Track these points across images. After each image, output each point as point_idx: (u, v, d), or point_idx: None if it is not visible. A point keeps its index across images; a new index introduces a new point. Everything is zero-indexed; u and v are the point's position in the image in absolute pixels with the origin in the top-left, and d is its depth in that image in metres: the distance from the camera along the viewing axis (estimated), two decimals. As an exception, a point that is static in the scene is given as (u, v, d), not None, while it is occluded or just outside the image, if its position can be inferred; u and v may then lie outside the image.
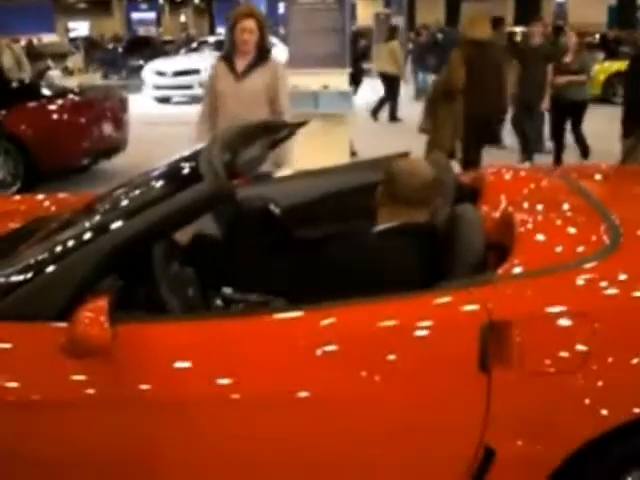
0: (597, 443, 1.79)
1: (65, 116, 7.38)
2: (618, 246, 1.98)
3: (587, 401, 1.78)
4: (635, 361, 1.78)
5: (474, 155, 5.79)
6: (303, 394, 1.85)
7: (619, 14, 27.97)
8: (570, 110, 8.09)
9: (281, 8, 26.63)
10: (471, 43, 5.74)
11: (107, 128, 7.84)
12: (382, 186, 2.33)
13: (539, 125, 8.77)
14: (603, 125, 10.74)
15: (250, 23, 4.08)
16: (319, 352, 1.85)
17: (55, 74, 13.08)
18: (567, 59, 8.10)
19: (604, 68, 14.60)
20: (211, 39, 20.58)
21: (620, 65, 14.59)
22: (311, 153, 6.90)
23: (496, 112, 5.82)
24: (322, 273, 2.25)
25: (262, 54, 4.16)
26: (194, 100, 15.68)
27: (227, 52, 4.26)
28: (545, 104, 8.14)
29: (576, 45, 8.20)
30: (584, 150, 8.49)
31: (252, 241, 2.93)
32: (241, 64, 4.19)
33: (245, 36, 4.09)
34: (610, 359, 1.78)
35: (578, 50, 8.23)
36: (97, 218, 2.28)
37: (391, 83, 12.29)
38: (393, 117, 12.32)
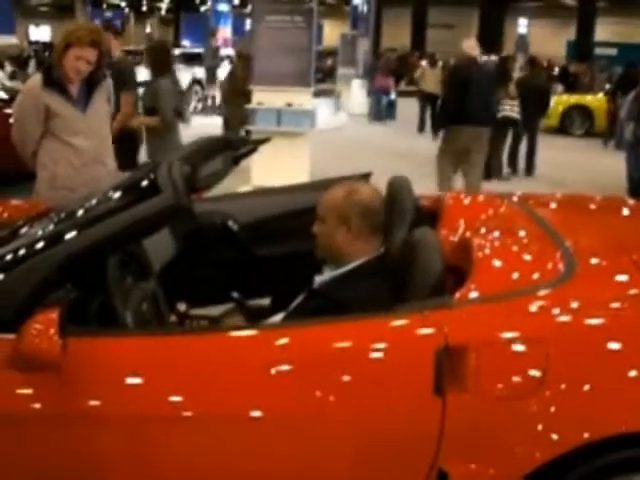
0: (550, 466, 1.80)
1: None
2: (573, 274, 2.00)
3: (540, 426, 1.79)
4: (586, 387, 1.80)
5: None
6: (256, 413, 1.83)
7: (577, 48, 28.80)
8: None
9: (248, 24, 26.72)
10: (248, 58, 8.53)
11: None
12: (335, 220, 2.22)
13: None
14: (560, 155, 11.03)
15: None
16: (273, 371, 1.84)
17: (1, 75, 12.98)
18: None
19: (562, 100, 14.96)
20: (176, 51, 20.46)
21: (578, 98, 14.98)
22: (272, 170, 6.91)
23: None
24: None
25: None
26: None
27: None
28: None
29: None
30: None
31: (209, 257, 2.90)
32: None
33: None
34: (563, 385, 1.80)
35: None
36: (51, 227, 2.24)
37: None
38: None
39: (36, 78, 3.51)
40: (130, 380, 1.87)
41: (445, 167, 6.84)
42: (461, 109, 6.58)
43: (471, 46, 7.08)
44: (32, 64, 20.30)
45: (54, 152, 3.48)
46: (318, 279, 2.28)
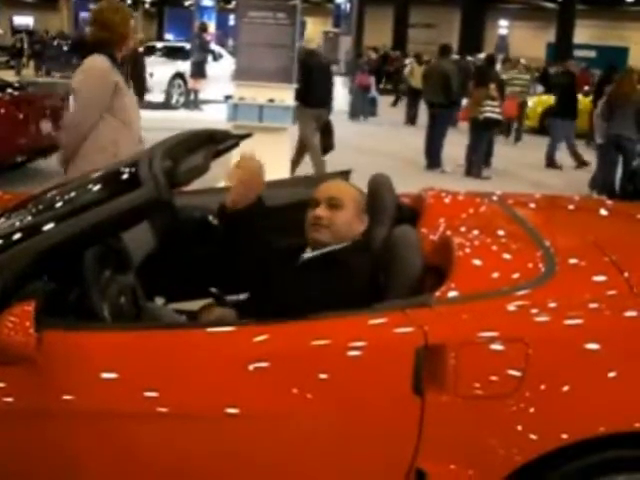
0: (530, 467, 1.80)
1: (1, 110, 7.15)
2: (553, 274, 2.01)
3: (519, 427, 1.79)
4: (566, 388, 1.81)
5: None
6: (232, 410, 1.82)
7: (557, 51, 29.05)
8: None
9: (231, 20, 26.65)
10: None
11: (46, 126, 7.61)
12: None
13: None
14: (540, 155, 11.11)
15: None
16: (251, 368, 1.82)
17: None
18: None
19: (542, 101, 15.04)
20: (159, 44, 20.30)
21: (557, 99, 15.10)
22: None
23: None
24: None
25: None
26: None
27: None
28: None
29: None
30: None
31: (188, 251, 2.88)
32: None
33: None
34: (542, 386, 1.80)
35: None
36: (29, 218, 2.20)
37: None
38: None
39: (99, 58, 3.42)
40: (106, 375, 1.85)
41: (311, 136, 7.91)
42: (307, 93, 7.71)
43: (309, 40, 8.81)
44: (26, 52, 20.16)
45: (114, 133, 3.41)
46: (308, 255, 2.33)
